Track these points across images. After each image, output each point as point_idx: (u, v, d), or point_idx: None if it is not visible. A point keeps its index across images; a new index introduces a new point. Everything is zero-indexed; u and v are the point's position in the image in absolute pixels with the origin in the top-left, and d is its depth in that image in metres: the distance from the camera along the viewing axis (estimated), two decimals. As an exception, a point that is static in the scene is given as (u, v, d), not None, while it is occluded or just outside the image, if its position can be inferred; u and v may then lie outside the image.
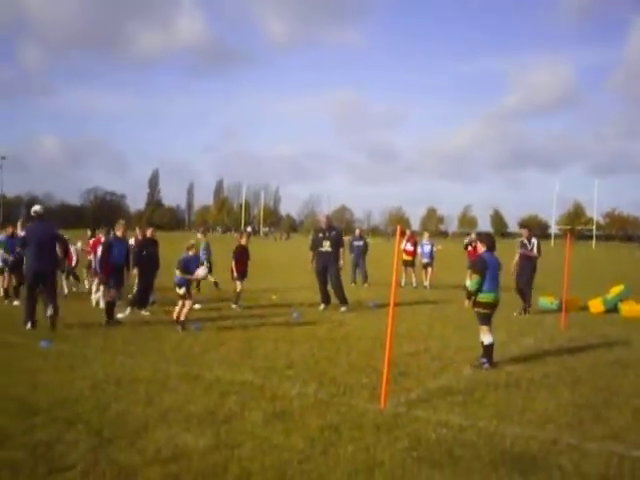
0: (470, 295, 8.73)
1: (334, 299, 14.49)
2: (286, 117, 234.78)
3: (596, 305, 15.14)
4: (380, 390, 6.72)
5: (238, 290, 14.29)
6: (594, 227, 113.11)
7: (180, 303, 11.42)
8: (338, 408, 6.56)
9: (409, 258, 21.15)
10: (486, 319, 8.71)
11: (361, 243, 21.41)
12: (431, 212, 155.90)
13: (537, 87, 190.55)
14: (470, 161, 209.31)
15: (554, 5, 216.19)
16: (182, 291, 11.42)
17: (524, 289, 14.71)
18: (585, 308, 15.14)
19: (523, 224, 16.75)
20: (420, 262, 21.23)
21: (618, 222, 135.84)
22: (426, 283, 20.82)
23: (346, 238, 17.83)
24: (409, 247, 21.11)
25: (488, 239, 9.12)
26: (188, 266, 11.57)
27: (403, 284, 20.62)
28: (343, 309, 14.30)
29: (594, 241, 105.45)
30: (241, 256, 14.44)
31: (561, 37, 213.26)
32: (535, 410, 6.67)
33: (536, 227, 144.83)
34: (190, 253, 11.71)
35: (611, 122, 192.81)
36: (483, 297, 8.60)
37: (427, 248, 21.40)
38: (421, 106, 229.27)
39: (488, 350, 8.66)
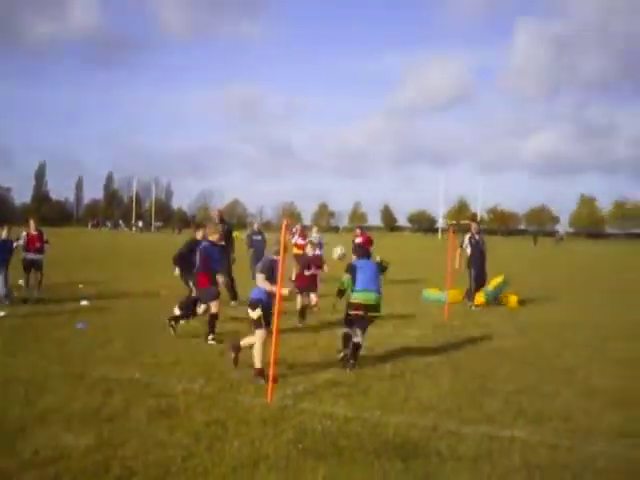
0: (338, 294, 8.89)
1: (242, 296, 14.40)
2: (181, 110, 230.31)
3: (477, 297, 15.88)
4: (267, 384, 6.76)
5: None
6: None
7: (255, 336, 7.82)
8: (224, 403, 6.55)
9: (300, 252, 21.34)
10: (350, 322, 8.56)
11: (260, 237, 21.39)
12: (322, 207, 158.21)
13: (431, 85, 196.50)
14: (364, 157, 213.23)
15: (449, 2, 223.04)
16: (257, 314, 7.85)
17: (476, 280, 15.33)
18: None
19: (473, 217, 17.16)
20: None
21: (500, 218, 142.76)
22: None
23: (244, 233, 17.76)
24: (300, 241, 21.33)
25: (359, 250, 9.28)
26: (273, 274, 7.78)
27: (293, 278, 20.79)
28: (233, 303, 14.25)
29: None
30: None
31: (454, 35, 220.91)
32: (417, 399, 6.92)
33: (425, 221, 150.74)
34: (275, 257, 7.93)
35: (497, 121, 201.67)
36: (352, 297, 8.62)
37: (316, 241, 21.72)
38: (317, 101, 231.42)
39: (355, 348, 8.44)
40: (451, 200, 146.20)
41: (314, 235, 22.10)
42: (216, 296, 10.15)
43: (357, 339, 8.35)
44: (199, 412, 6.21)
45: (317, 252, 15.70)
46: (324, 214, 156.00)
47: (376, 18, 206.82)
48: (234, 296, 14.46)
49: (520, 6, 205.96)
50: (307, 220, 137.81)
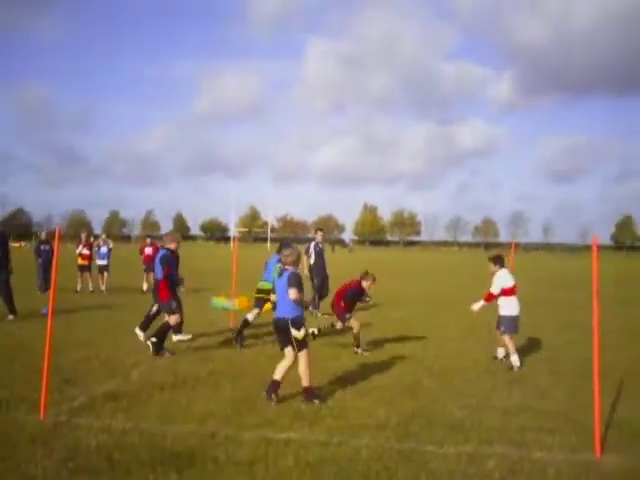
0: None
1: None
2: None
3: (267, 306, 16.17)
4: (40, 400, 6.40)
5: None
6: (269, 230, 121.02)
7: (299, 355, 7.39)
8: (-11, 425, 6.08)
9: (85, 262, 20.54)
10: None
11: (47, 247, 20.06)
12: (114, 215, 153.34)
13: (226, 96, 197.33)
14: (157, 165, 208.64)
15: (244, 15, 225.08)
16: (303, 333, 7.38)
17: (318, 290, 15.46)
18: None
19: (318, 228, 17.18)
20: (95, 265, 20.86)
21: (290, 226, 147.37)
22: (103, 287, 20.38)
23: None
24: (85, 251, 20.52)
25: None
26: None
27: (79, 289, 19.99)
28: (10, 317, 13.28)
29: (269, 243, 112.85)
30: None
31: (252, 48, 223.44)
32: (198, 407, 6.95)
33: (217, 230, 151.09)
34: (291, 268, 7.51)
35: (289, 133, 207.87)
36: None
37: (103, 250, 21.03)
38: (111, 107, 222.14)
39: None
40: (243, 209, 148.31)
41: (101, 243, 21.30)
42: None
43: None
44: (-43, 437, 5.72)
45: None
46: (115, 222, 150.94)
47: (174, 26, 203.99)
48: (12, 310, 13.45)
49: (312, 24, 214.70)
50: (97, 229, 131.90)
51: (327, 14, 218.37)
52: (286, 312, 7.34)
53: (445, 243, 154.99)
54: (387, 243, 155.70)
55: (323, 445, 5.81)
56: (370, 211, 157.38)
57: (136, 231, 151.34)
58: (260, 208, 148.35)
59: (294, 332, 7.27)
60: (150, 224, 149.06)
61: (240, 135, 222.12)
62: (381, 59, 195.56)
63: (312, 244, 15.90)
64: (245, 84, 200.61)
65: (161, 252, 10.34)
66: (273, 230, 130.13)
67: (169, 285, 10.04)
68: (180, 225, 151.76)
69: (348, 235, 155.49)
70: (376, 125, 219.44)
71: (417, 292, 23.09)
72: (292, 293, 7.22)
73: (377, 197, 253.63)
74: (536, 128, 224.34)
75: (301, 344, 7.32)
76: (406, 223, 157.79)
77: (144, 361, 9.09)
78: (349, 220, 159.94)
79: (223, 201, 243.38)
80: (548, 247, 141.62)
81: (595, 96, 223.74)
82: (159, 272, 10.07)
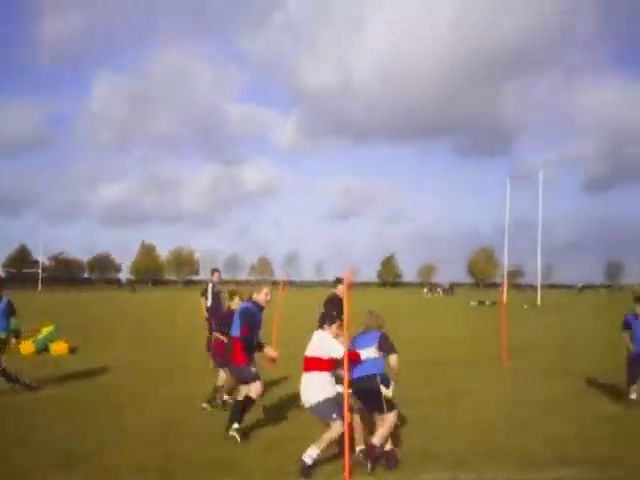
0: None
1: None
2: None
3: (27, 347, 16.38)
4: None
5: None
6: (40, 269, 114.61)
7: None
8: None
9: None
10: None
11: None
12: None
13: (3, 130, 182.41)
14: None
15: (29, 42, 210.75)
16: (391, 391, 7.16)
17: None
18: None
19: (215, 269, 16.27)
20: None
21: (63, 264, 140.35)
22: None
23: None
24: None
25: None
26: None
27: None
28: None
29: (40, 283, 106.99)
30: None
31: (34, 81, 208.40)
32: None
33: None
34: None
35: (70, 170, 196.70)
36: None
37: None
38: None
39: None
40: (13, 247, 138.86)
41: None
42: None
43: None
44: None
45: None
46: None
47: None
48: None
49: (101, 58, 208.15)
50: None
51: (117, 48, 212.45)
52: (371, 369, 7.17)
53: (224, 282, 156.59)
54: (166, 282, 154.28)
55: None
56: (148, 250, 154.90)
57: None
58: (32, 246, 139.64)
59: (384, 391, 7.09)
60: None
61: (16, 171, 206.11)
62: (169, 98, 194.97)
63: (209, 286, 15.30)
64: (24, 117, 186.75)
65: None
66: (45, 269, 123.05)
67: None
68: None
69: (124, 274, 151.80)
70: (161, 164, 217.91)
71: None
72: (371, 352, 7.21)
73: (157, 236, 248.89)
74: (318, 170, 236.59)
75: (390, 404, 7.18)
76: (185, 262, 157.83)
77: None
78: (127, 259, 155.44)
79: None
80: (320, 284, 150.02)
81: (372, 142, 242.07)
82: None
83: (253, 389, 8.27)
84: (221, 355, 9.78)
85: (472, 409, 9.92)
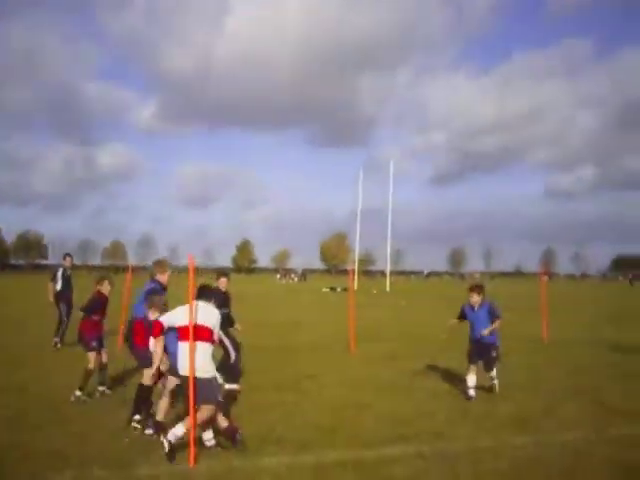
0: None
1: None
2: None
3: None
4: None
5: None
6: None
7: None
8: None
9: None
10: None
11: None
12: None
13: None
14: None
15: None
16: None
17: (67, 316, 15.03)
18: None
19: (67, 253, 15.18)
20: None
21: None
22: None
23: None
24: None
25: None
26: None
27: None
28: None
29: None
30: None
31: None
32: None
33: None
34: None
35: None
36: None
37: None
38: None
39: None
40: None
41: None
42: None
43: None
44: None
45: None
46: None
47: None
48: None
49: None
50: None
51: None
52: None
53: (76, 267, 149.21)
54: (13, 267, 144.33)
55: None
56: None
57: None
58: None
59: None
60: None
61: None
62: (21, 74, 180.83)
63: (60, 270, 15.43)
64: None
65: None
66: None
67: None
68: None
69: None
70: (12, 143, 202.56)
71: None
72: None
73: (5, 218, 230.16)
74: (176, 154, 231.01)
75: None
76: (32, 246, 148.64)
77: None
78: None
79: None
80: (174, 268, 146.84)
81: (230, 128, 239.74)
82: None
83: (146, 375, 7.95)
84: (89, 338, 9.58)
85: (317, 393, 10.07)
